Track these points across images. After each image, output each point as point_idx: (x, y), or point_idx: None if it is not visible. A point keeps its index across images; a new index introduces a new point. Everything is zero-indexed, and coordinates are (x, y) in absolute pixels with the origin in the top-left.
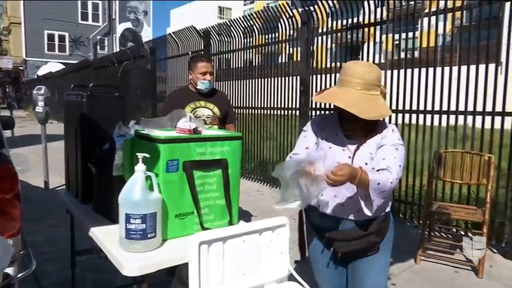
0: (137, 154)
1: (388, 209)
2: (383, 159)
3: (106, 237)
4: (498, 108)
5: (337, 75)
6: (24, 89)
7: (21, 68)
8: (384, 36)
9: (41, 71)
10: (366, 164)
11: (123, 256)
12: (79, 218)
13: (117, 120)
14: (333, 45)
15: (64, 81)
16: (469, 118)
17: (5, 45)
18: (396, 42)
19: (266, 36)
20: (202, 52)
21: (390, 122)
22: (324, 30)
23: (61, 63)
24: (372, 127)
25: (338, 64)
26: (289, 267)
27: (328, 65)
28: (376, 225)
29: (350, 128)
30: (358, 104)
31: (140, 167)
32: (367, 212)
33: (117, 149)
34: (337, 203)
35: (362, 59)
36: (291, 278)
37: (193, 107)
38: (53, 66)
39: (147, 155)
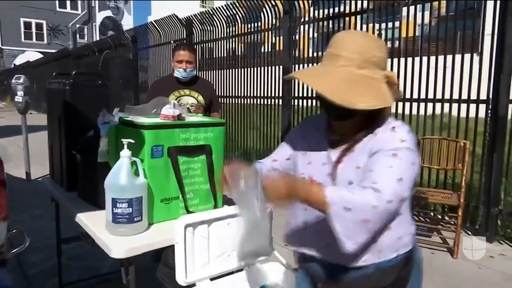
0: (122, 140)
1: (408, 247)
2: (370, 171)
3: (93, 222)
4: (473, 96)
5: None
6: (0, 79)
7: None
8: (365, 26)
9: (18, 60)
10: (351, 183)
11: (110, 240)
12: (65, 206)
13: (100, 108)
14: (316, 34)
15: (42, 71)
16: (446, 106)
17: None
18: (377, 32)
19: (249, 25)
20: (184, 41)
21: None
22: (307, 19)
23: (39, 52)
24: (367, 127)
25: (320, 53)
26: (273, 247)
27: (311, 55)
28: (391, 274)
29: (340, 130)
30: (339, 86)
31: (125, 153)
32: (345, 252)
33: (102, 136)
34: (321, 243)
35: None
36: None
37: (177, 95)
38: (31, 55)
39: (132, 141)
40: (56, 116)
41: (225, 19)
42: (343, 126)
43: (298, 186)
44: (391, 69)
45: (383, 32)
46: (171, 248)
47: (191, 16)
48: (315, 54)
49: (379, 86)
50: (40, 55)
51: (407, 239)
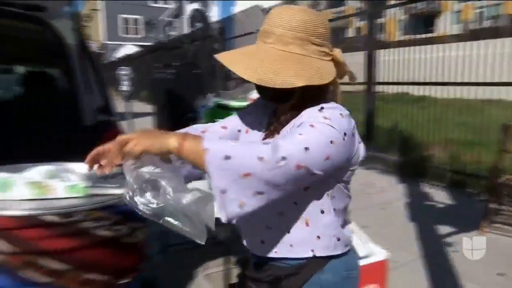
0: (217, 120)
1: (330, 251)
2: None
3: None
4: None
5: (406, 49)
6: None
7: (101, 51)
8: (463, 4)
9: (119, 54)
10: None
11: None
12: None
13: (198, 93)
14: (404, 16)
15: (140, 62)
16: None
17: (87, 31)
18: (478, 10)
19: (333, 9)
20: None
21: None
22: (391, 2)
23: (135, 45)
24: (302, 110)
25: (409, 36)
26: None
27: (398, 38)
28: (271, 273)
29: (280, 113)
30: (257, 64)
31: None
32: (221, 214)
33: (200, 117)
34: (242, 222)
35: (437, 31)
36: None
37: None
38: (129, 48)
39: None
40: (161, 101)
41: (307, 6)
42: (283, 109)
43: (165, 135)
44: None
45: (485, 10)
46: None
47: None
48: (402, 38)
49: (310, 63)
50: (137, 48)
51: (330, 241)
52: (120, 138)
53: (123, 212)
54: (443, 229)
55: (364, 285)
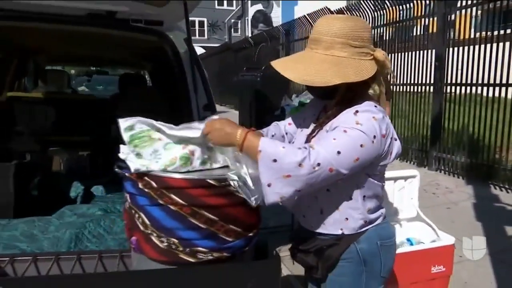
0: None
1: (355, 230)
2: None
3: None
4: None
5: (481, 46)
6: None
7: None
8: None
9: None
10: None
11: None
12: None
13: (282, 94)
14: (479, 12)
15: (207, 63)
16: None
17: None
18: None
19: (400, 7)
20: None
21: None
22: (464, 4)
23: (201, 46)
24: (345, 107)
25: (484, 34)
26: (418, 209)
27: (472, 35)
28: (315, 244)
29: (328, 108)
30: (301, 67)
31: None
32: (264, 199)
33: (285, 115)
34: (297, 210)
35: None
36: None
37: None
38: (197, 50)
39: None
40: (248, 100)
41: (373, 8)
42: (330, 105)
43: (233, 133)
44: None
45: None
46: None
47: (343, 8)
48: (477, 35)
49: (349, 64)
50: (202, 50)
51: (355, 224)
52: (203, 131)
53: None
54: (510, 229)
55: (433, 266)
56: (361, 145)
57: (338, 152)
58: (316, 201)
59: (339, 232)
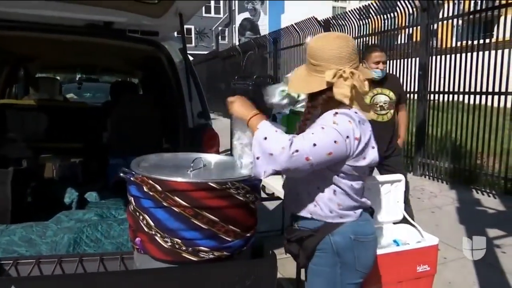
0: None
1: (323, 218)
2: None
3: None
4: None
5: (463, 55)
6: None
7: None
8: None
9: None
10: None
11: None
12: None
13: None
14: (460, 21)
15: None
16: None
17: None
18: None
19: (384, 16)
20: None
21: None
22: (449, 14)
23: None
24: (323, 111)
25: (464, 43)
26: (404, 212)
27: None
28: (296, 234)
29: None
30: (295, 82)
31: None
32: (253, 170)
33: (277, 122)
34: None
35: (497, 37)
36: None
37: (371, 95)
38: None
39: None
40: None
41: (358, 17)
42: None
43: (249, 108)
44: None
45: None
46: None
47: (329, 18)
48: (458, 44)
49: (308, 78)
50: (190, 57)
51: (322, 212)
52: (229, 99)
53: (251, 185)
54: (492, 232)
55: (418, 265)
56: (335, 141)
57: (314, 144)
58: (295, 185)
59: (309, 215)
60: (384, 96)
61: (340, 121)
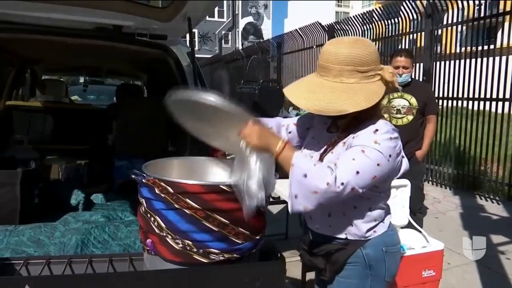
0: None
1: (358, 236)
2: (337, 158)
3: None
4: None
5: (467, 61)
6: None
7: None
8: None
9: None
10: None
11: None
12: None
13: (278, 106)
14: (464, 27)
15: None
16: None
17: None
18: None
19: (388, 22)
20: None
21: None
22: (453, 20)
23: None
24: (355, 126)
25: (469, 49)
26: (409, 217)
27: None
28: (324, 248)
29: (339, 125)
30: (308, 94)
31: None
32: (289, 207)
33: None
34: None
35: (501, 43)
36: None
37: (389, 97)
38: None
39: None
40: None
41: (361, 22)
42: (339, 123)
43: (275, 139)
44: None
45: None
46: None
47: (333, 23)
48: (462, 49)
49: (358, 89)
50: None
51: (359, 231)
52: (243, 132)
53: None
54: (496, 238)
55: (423, 270)
56: (378, 164)
57: (357, 172)
58: (325, 206)
59: (343, 236)
60: (403, 101)
61: (381, 140)
